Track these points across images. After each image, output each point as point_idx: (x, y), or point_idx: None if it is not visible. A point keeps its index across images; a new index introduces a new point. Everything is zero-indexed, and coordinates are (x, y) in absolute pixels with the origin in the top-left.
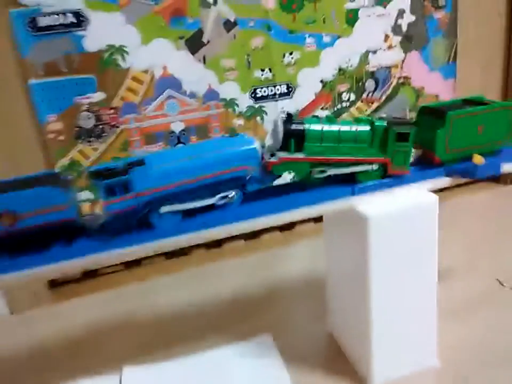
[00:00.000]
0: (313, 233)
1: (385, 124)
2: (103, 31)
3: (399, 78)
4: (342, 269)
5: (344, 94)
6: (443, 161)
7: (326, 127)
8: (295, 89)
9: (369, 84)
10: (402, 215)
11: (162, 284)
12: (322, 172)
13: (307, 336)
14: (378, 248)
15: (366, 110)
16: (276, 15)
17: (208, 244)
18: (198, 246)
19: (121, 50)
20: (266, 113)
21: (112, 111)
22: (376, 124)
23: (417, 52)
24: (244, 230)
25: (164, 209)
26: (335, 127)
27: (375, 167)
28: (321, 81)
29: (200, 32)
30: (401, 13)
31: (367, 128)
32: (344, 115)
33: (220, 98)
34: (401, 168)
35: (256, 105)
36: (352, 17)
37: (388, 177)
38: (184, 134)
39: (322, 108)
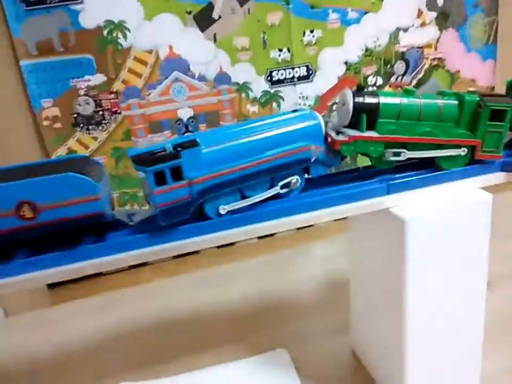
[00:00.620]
0: (333, 231)
1: (477, 98)
2: (101, 4)
3: (433, 59)
4: (370, 276)
5: (370, 78)
6: None
7: (405, 101)
8: (315, 72)
9: (399, 67)
10: (447, 217)
11: (167, 287)
12: (397, 154)
13: (326, 351)
14: (416, 255)
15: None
16: None
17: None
18: None
19: (121, 26)
20: (283, 99)
21: (112, 95)
22: (466, 97)
23: (454, 30)
24: (303, 223)
25: (225, 208)
26: (415, 101)
27: (463, 152)
28: (345, 63)
29: (210, 7)
30: None
31: (455, 102)
32: None
33: (232, 82)
34: (493, 152)
35: (272, 90)
36: None
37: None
38: (192, 121)
39: None
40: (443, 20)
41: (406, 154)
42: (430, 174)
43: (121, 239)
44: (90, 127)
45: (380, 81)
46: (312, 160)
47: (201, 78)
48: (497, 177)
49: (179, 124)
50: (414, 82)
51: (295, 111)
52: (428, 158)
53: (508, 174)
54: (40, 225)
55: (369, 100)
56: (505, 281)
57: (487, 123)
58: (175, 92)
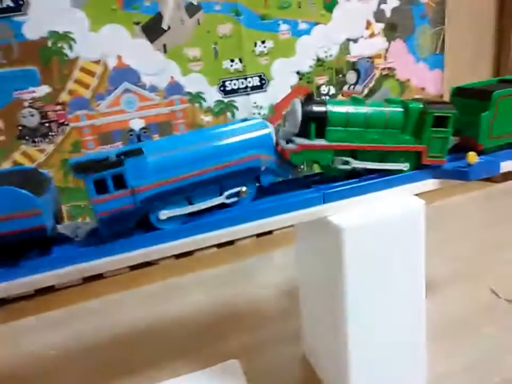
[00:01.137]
0: (293, 239)
1: (421, 105)
2: (45, 15)
3: (383, 69)
4: (315, 284)
5: (323, 87)
6: (485, 149)
7: (352, 109)
8: (268, 82)
9: (350, 76)
10: (382, 225)
11: (123, 300)
12: (346, 163)
13: (278, 358)
14: (355, 262)
15: None
16: None
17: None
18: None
19: (67, 37)
20: (237, 109)
21: (59, 107)
22: (410, 105)
23: (402, 41)
24: (255, 231)
25: (166, 213)
26: (362, 109)
27: (405, 167)
28: (298, 72)
29: (159, 17)
30: None
31: (400, 110)
32: None
33: (185, 92)
34: (438, 157)
35: (226, 100)
36: (330, 2)
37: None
38: (145, 132)
39: None
40: (391, 31)
41: (354, 165)
42: (366, 182)
43: (64, 253)
44: (36, 139)
45: (332, 90)
46: (262, 169)
47: (152, 89)
48: (430, 183)
49: (131, 135)
50: (366, 91)
51: (245, 120)
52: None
53: (441, 180)
54: None
55: (317, 108)
56: (452, 283)
57: (431, 129)
58: (125, 102)
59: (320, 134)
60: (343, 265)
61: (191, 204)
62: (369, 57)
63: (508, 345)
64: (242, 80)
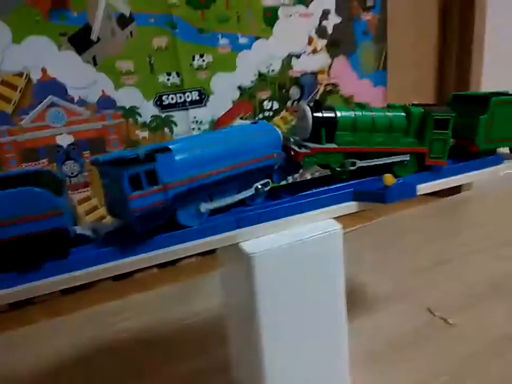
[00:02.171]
0: None
1: (421, 109)
2: None
3: (327, 85)
4: (235, 311)
5: (266, 102)
6: (481, 151)
7: (359, 114)
8: (208, 97)
9: (294, 91)
10: (297, 249)
11: (50, 328)
12: (354, 164)
13: None
14: (268, 288)
15: (292, 120)
16: (181, 10)
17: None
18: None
19: None
20: (175, 124)
21: None
22: (412, 110)
23: (345, 57)
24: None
25: (206, 206)
26: (368, 114)
27: (408, 158)
28: (239, 87)
29: (87, 28)
30: (325, 14)
31: (403, 114)
32: None
33: (117, 106)
34: (439, 158)
35: (163, 115)
36: (271, 17)
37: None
38: (74, 148)
39: (241, 118)
40: (334, 47)
41: (361, 163)
42: (282, 206)
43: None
44: None
45: (276, 105)
46: (275, 167)
47: (82, 103)
48: (350, 206)
49: (58, 151)
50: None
51: (255, 123)
52: (380, 165)
53: (359, 203)
54: None
55: (327, 114)
56: (393, 302)
57: (432, 132)
58: (51, 117)
59: (330, 139)
60: (255, 292)
61: (212, 200)
62: (313, 73)
63: (441, 366)
64: (180, 94)
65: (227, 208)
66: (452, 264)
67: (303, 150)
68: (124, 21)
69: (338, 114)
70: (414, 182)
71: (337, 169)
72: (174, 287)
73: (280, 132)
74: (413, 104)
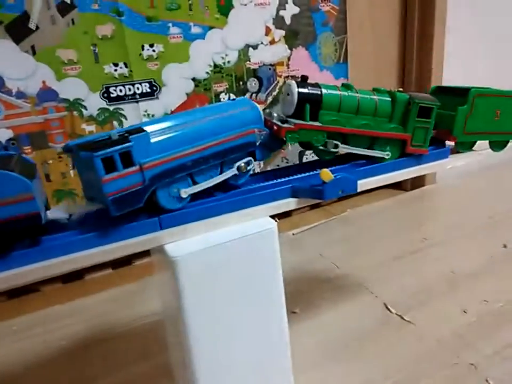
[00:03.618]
0: None
1: (407, 96)
2: None
3: (286, 77)
4: (168, 316)
5: (222, 95)
6: (459, 142)
7: (345, 94)
8: (160, 89)
9: (252, 84)
10: (226, 250)
11: None
12: (336, 147)
13: None
14: (194, 293)
15: None
16: None
17: (66, 276)
18: (53, 279)
19: None
20: (125, 118)
21: None
22: (397, 95)
23: (305, 49)
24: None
25: (186, 190)
26: (354, 95)
27: (387, 156)
28: (193, 79)
29: (25, 16)
30: (283, 3)
31: (388, 99)
32: None
33: (60, 98)
34: (420, 147)
35: (111, 108)
36: (224, 5)
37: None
38: (13, 144)
39: None
40: (292, 38)
41: (342, 149)
42: (210, 204)
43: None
44: None
45: (233, 98)
46: (257, 143)
47: (21, 95)
48: (288, 203)
49: None
50: (270, 99)
51: (233, 99)
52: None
53: (298, 200)
54: None
55: (313, 91)
56: (352, 297)
57: (415, 119)
58: None
59: (314, 117)
60: (181, 296)
61: (193, 180)
62: (271, 65)
63: (394, 365)
64: (129, 86)
65: (210, 191)
66: (412, 258)
67: (286, 126)
68: (64, 8)
69: (324, 91)
70: (354, 177)
71: (320, 147)
72: (124, 289)
73: (260, 108)
74: (398, 90)
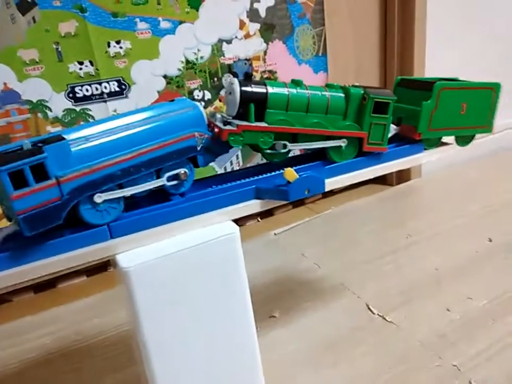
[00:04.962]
0: None
1: (361, 91)
2: None
3: (263, 72)
4: (133, 327)
5: (196, 92)
6: (424, 139)
7: (293, 91)
8: (130, 87)
9: (227, 80)
10: (183, 258)
11: None
12: (285, 147)
13: None
14: (150, 303)
15: None
16: None
17: (39, 286)
18: (24, 288)
19: None
20: (93, 118)
21: None
22: (351, 91)
23: (281, 42)
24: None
25: (100, 197)
26: (303, 92)
27: (343, 143)
28: (165, 76)
29: None
30: None
31: (341, 95)
32: None
33: (23, 100)
34: (379, 145)
35: (78, 108)
36: None
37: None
38: None
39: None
40: (268, 32)
41: (292, 147)
42: (167, 209)
43: None
44: None
45: (208, 95)
46: (199, 148)
47: None
48: (251, 206)
49: None
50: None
51: (172, 100)
52: (313, 149)
53: (263, 201)
54: None
55: (257, 89)
56: (335, 298)
57: (371, 115)
58: None
59: (260, 117)
60: (135, 307)
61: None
62: (247, 59)
63: (375, 366)
64: (96, 85)
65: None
66: (395, 256)
67: (228, 128)
68: (24, 6)
69: (270, 90)
70: (321, 176)
71: (267, 151)
72: (99, 297)
73: (202, 109)
74: (353, 86)
